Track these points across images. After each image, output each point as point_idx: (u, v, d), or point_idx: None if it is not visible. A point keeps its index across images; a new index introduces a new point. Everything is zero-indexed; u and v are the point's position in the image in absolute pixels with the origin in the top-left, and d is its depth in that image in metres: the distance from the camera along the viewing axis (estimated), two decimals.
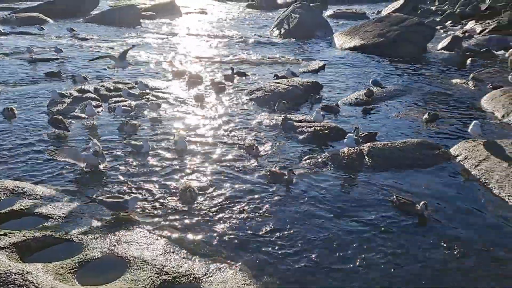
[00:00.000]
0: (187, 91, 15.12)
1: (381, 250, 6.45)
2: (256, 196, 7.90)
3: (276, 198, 7.87)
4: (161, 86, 15.48)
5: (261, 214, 7.31)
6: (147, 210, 7.27)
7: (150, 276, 5.40)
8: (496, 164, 8.82)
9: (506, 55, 20.88)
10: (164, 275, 5.47)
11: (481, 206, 7.84)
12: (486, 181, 8.60)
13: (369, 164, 9.43)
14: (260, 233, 6.79)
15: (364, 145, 10.11)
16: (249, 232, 6.81)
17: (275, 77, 16.29)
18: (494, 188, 8.32)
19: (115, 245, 6.07)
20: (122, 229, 6.53)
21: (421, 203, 7.33)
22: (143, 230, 6.60)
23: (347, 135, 9.93)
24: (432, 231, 6.99)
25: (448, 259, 6.31)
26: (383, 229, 7.01)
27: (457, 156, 9.77)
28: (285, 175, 8.51)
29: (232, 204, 7.57)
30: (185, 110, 13.05)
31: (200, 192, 7.85)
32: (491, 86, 15.37)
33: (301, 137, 11.06)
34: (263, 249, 6.38)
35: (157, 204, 7.49)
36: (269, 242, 6.54)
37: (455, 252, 6.44)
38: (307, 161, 9.53)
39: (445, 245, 6.61)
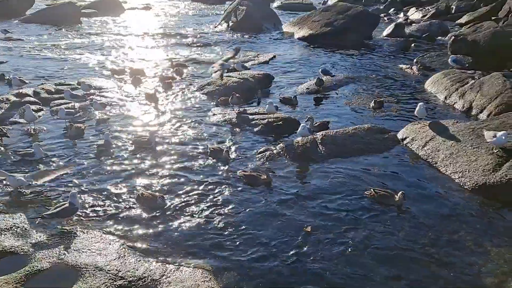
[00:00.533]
0: (133, 89, 14.62)
1: (342, 236, 6.57)
2: (213, 194, 7.78)
3: (233, 194, 7.79)
4: (105, 86, 14.83)
5: (219, 212, 7.20)
6: (98, 215, 6.96)
7: (104, 283, 5.18)
8: (441, 144, 9.22)
9: (446, 39, 21.88)
10: (119, 280, 5.26)
11: (429, 184, 8.20)
12: (433, 160, 8.98)
13: (323, 152, 9.55)
14: (218, 230, 6.69)
15: (317, 133, 10.24)
16: (207, 230, 6.69)
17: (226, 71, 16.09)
18: (441, 166, 8.71)
19: (64, 254, 5.76)
20: (71, 237, 6.20)
21: (399, 193, 7.28)
22: (95, 236, 6.30)
23: (301, 125, 10.00)
24: (386, 211, 7.21)
25: (401, 230, 6.63)
26: (343, 214, 7.15)
27: (405, 138, 10.11)
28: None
29: (187, 204, 7.40)
30: (133, 109, 12.62)
31: (154, 193, 7.59)
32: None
33: (255, 129, 11.03)
34: (222, 245, 6.30)
35: (109, 208, 7.18)
36: (228, 239, 6.45)
37: (408, 224, 6.77)
38: (263, 153, 9.52)
39: (398, 220, 6.88)
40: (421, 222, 6.93)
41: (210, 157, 9.07)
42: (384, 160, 9.33)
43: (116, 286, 5.16)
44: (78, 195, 7.01)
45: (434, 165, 8.86)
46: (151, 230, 6.60)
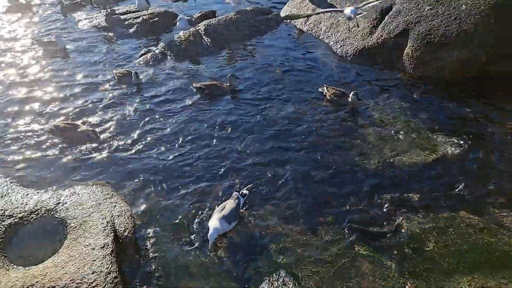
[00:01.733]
0: None
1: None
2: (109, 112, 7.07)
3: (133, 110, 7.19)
4: None
5: (111, 131, 6.64)
6: None
7: None
8: (321, 16, 9.26)
9: None
10: (8, 219, 4.68)
11: (316, 52, 8.39)
12: (316, 33, 9.08)
13: (208, 43, 9.07)
14: (110, 150, 6.23)
15: (198, 25, 9.59)
16: (101, 151, 6.19)
17: None
18: (323, 37, 8.86)
19: None
20: None
21: (351, 94, 6.67)
22: None
23: (179, 17, 9.22)
24: (283, 81, 7.30)
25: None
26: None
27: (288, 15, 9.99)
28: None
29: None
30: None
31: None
32: None
33: (131, 31, 9.98)
34: (117, 162, 5.91)
35: None
36: (121, 157, 6.06)
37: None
38: (145, 56, 8.75)
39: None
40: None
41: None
42: (272, 40, 9.21)
43: (5, 225, 4.60)
44: None
45: (318, 36, 9.00)
46: (41, 161, 5.91)
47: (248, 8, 10.10)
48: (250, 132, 6.32)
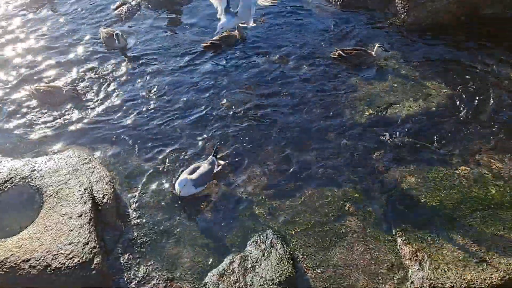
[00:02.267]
0: None
1: None
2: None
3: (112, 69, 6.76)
4: None
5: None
6: None
7: None
8: None
9: None
10: None
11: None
12: None
13: None
14: (91, 110, 5.91)
15: None
16: (83, 117, 5.87)
17: None
18: None
19: None
20: None
21: (376, 47, 6.11)
22: None
23: None
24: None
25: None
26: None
27: None
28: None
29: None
30: None
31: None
32: None
33: None
34: (98, 128, 5.60)
35: None
36: (103, 120, 5.75)
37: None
38: (120, 8, 8.14)
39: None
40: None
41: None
42: None
43: None
44: None
45: None
46: (16, 131, 5.60)
47: None
48: (236, 87, 6.01)
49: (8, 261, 3.59)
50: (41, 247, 3.68)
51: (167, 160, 4.99)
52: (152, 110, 5.76)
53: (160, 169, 4.88)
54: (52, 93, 6.02)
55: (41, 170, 4.66)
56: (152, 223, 4.30)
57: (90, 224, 3.90)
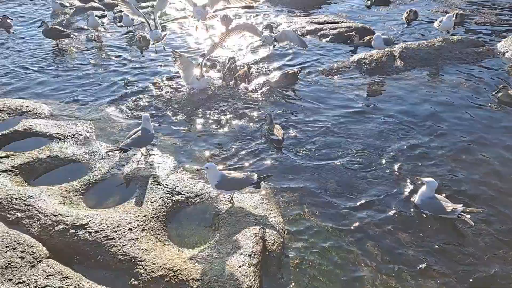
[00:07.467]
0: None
1: None
2: None
3: None
4: None
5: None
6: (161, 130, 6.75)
7: (161, 197, 4.95)
8: None
9: None
10: (177, 195, 5.01)
11: None
12: None
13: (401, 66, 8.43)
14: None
15: (395, 46, 8.99)
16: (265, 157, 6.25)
17: None
18: None
19: (124, 165, 5.60)
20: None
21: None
22: (153, 149, 6.07)
23: (375, 36, 8.74)
24: None
25: None
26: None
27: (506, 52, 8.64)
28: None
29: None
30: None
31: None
32: None
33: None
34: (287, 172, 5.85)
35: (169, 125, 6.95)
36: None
37: None
38: (338, 63, 8.73)
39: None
40: None
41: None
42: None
43: (173, 201, 4.92)
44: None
45: None
46: (201, 146, 6.27)
47: (454, 38, 9.03)
48: None
49: (181, 274, 3.86)
50: (211, 272, 3.85)
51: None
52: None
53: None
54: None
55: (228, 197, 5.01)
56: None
57: (257, 267, 3.95)
